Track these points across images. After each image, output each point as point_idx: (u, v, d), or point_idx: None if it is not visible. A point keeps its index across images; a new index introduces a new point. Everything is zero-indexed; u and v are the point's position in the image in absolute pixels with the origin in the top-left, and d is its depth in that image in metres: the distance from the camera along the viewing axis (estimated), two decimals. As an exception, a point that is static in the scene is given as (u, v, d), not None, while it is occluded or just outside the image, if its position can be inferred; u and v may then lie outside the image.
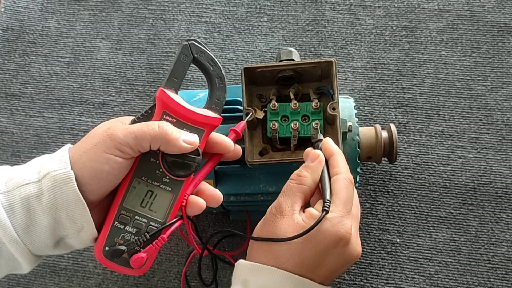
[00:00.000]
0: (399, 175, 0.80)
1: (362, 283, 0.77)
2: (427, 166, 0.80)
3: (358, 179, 0.70)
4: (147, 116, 0.57)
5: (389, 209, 0.79)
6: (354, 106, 0.71)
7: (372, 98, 0.84)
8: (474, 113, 0.82)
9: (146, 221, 0.57)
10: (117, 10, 0.92)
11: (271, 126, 0.64)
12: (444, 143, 0.81)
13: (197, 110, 0.57)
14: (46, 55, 0.90)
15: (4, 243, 0.53)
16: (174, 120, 0.56)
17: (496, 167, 0.80)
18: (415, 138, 0.82)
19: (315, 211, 0.56)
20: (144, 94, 0.87)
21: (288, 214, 0.56)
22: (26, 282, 0.80)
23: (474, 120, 0.82)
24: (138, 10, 0.91)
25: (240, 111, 0.69)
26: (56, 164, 0.54)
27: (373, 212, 0.79)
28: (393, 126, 0.72)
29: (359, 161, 0.69)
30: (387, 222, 0.79)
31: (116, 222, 0.56)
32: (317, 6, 0.89)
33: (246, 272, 0.56)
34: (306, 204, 0.58)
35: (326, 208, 0.54)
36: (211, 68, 0.59)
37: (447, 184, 0.79)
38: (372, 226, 0.79)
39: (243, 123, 0.62)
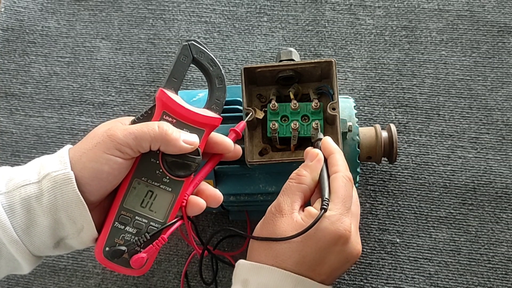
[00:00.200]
0: (399, 175, 0.80)
1: (362, 283, 0.77)
2: (427, 166, 0.80)
3: (358, 179, 0.70)
4: (147, 116, 0.57)
5: (389, 209, 0.79)
6: (354, 106, 0.71)
7: (372, 98, 0.84)
8: (474, 113, 0.82)
9: (146, 221, 0.57)
10: (117, 10, 0.92)
11: (271, 126, 0.64)
12: (444, 143, 0.81)
13: (197, 110, 0.57)
14: (46, 55, 0.90)
15: (4, 243, 0.53)
16: (174, 121, 0.56)
17: (496, 167, 0.80)
18: (415, 138, 0.82)
19: (314, 209, 0.56)
20: (144, 94, 0.87)
21: (287, 213, 0.56)
22: (26, 282, 0.80)
23: (474, 120, 0.82)
24: (138, 10, 0.91)
25: (240, 111, 0.69)
26: (56, 164, 0.54)
27: (373, 212, 0.79)
28: (393, 126, 0.72)
29: (359, 161, 0.69)
30: (387, 222, 0.79)
31: (116, 223, 0.56)
32: (317, 6, 0.89)
33: (246, 272, 0.56)
34: (306, 203, 0.59)
35: (324, 207, 0.54)
36: (211, 68, 0.59)
37: (447, 184, 0.79)
38: (372, 226, 0.79)
39: (243, 123, 0.62)
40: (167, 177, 0.57)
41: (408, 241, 0.78)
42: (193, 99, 0.72)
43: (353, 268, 0.78)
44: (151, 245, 0.56)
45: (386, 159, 0.74)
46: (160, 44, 0.90)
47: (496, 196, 0.79)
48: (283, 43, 0.88)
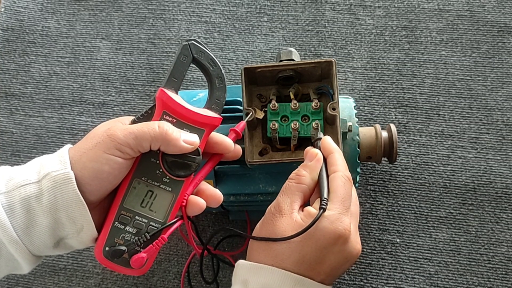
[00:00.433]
0: (399, 175, 0.80)
1: (362, 283, 0.77)
2: (427, 166, 0.80)
3: (358, 179, 0.70)
4: (147, 116, 0.57)
5: (389, 209, 0.79)
6: (354, 106, 0.71)
7: (372, 98, 0.84)
8: (474, 113, 0.82)
9: (146, 221, 0.57)
10: (117, 10, 0.92)
11: (271, 126, 0.64)
12: (444, 143, 0.81)
13: (197, 110, 0.57)
14: (46, 55, 0.90)
15: (4, 243, 0.53)
16: (174, 120, 0.56)
17: (496, 167, 0.80)
18: (415, 138, 0.82)
19: (313, 209, 0.56)
20: (144, 94, 0.87)
21: (287, 213, 0.56)
22: (26, 281, 0.80)
23: (474, 120, 0.82)
24: (138, 10, 0.91)
25: (240, 111, 0.69)
26: (56, 164, 0.54)
27: (373, 212, 0.79)
28: (393, 126, 0.72)
29: (359, 161, 0.69)
30: (387, 222, 0.79)
31: (116, 222, 0.56)
32: (317, 6, 0.89)
33: (246, 272, 0.56)
34: (306, 203, 0.59)
35: (323, 206, 0.54)
36: (211, 68, 0.59)
37: (447, 184, 0.79)
38: (372, 226, 0.79)
39: (243, 123, 0.62)
40: (167, 177, 0.57)
41: (408, 241, 0.78)
42: (193, 99, 0.72)
43: (353, 268, 0.78)
44: (151, 245, 0.56)
45: (386, 159, 0.74)
46: (160, 44, 0.90)
47: (496, 196, 0.79)
48: (283, 43, 0.88)
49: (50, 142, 0.86)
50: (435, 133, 0.82)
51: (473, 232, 0.78)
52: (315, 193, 0.59)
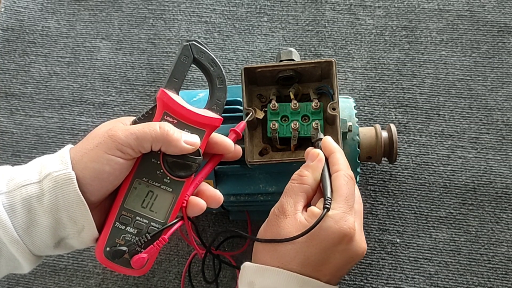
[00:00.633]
0: (399, 175, 0.80)
1: (362, 283, 0.77)
2: (427, 166, 0.81)
3: (358, 179, 0.70)
4: (148, 116, 0.57)
5: (389, 209, 0.79)
6: (354, 106, 0.71)
7: (372, 98, 0.84)
8: (474, 113, 0.82)
9: (147, 221, 0.57)
10: (117, 10, 0.92)
11: (271, 126, 0.64)
12: (444, 143, 0.81)
13: (198, 111, 0.57)
14: (46, 55, 0.90)
15: (4, 243, 0.53)
16: (175, 121, 0.56)
17: (496, 167, 0.80)
18: (415, 138, 0.82)
19: (316, 209, 0.56)
20: (144, 94, 0.87)
21: (290, 214, 0.56)
22: (26, 281, 0.80)
23: (474, 120, 0.82)
24: (138, 10, 0.91)
25: (240, 111, 0.69)
26: (57, 164, 0.54)
27: (373, 212, 0.79)
28: (393, 126, 0.72)
29: (359, 161, 0.69)
30: (387, 222, 0.79)
31: (117, 223, 0.56)
32: (317, 6, 0.89)
33: (251, 274, 0.56)
34: (309, 204, 0.59)
35: (327, 206, 0.54)
36: (212, 68, 0.59)
37: (447, 184, 0.80)
38: (372, 226, 0.79)
39: (243, 123, 0.62)
40: (168, 178, 0.57)
41: (408, 241, 0.78)
42: (194, 99, 0.72)
43: (353, 268, 0.78)
44: (151, 245, 0.56)
45: (386, 159, 0.74)
46: (160, 44, 0.90)
47: (496, 196, 0.79)
48: (283, 43, 0.88)
49: (51, 142, 0.86)
50: (435, 133, 0.82)
51: (473, 232, 0.78)
52: (318, 193, 0.59)
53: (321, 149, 0.60)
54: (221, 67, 0.60)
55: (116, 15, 0.92)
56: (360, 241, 0.57)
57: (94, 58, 0.90)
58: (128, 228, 0.56)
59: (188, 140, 0.55)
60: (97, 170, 0.53)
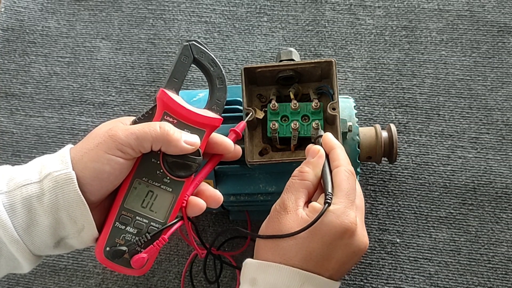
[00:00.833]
0: (399, 175, 0.80)
1: (362, 283, 0.77)
2: (427, 166, 0.81)
3: (358, 179, 0.70)
4: (148, 116, 0.57)
5: (389, 209, 0.79)
6: (354, 106, 0.71)
7: (372, 98, 0.84)
8: (474, 113, 0.82)
9: (147, 221, 0.57)
10: (117, 10, 0.92)
11: (271, 126, 0.64)
12: (444, 143, 0.81)
13: (198, 111, 0.57)
14: (46, 55, 0.90)
15: (4, 243, 0.53)
16: (175, 121, 0.56)
17: (496, 167, 0.80)
18: (415, 138, 0.82)
19: (318, 204, 0.56)
20: (144, 94, 0.87)
21: (292, 210, 0.56)
22: (26, 281, 0.80)
23: (474, 120, 0.82)
24: (138, 10, 0.91)
25: (240, 111, 0.69)
26: (57, 164, 0.54)
27: (373, 212, 0.79)
28: (393, 126, 0.72)
29: (359, 161, 0.69)
30: (387, 222, 0.79)
31: (117, 223, 0.56)
32: (317, 6, 0.89)
33: (253, 271, 0.56)
34: (310, 200, 0.59)
35: (328, 201, 0.54)
36: (212, 68, 0.59)
37: (447, 184, 0.80)
38: (372, 226, 0.79)
39: (243, 123, 0.62)
40: (168, 178, 0.57)
41: (408, 241, 0.78)
42: (193, 99, 0.72)
43: (353, 268, 0.78)
44: (151, 245, 0.56)
45: (386, 159, 0.74)
46: (160, 44, 0.90)
47: (496, 196, 0.79)
48: (283, 43, 0.88)
49: (51, 142, 0.86)
50: (435, 133, 0.82)
51: (473, 232, 0.78)
52: (319, 189, 0.59)
53: (322, 146, 0.60)
54: (221, 67, 0.60)
55: (116, 15, 0.92)
56: (362, 235, 0.57)
57: (94, 58, 0.90)
58: (128, 228, 0.56)
59: (188, 140, 0.55)
60: (97, 170, 0.53)
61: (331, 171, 0.58)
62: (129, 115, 0.60)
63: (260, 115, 0.65)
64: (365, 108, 0.84)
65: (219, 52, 0.89)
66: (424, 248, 0.77)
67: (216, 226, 0.80)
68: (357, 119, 0.70)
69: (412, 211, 0.79)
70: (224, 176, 0.70)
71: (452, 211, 0.79)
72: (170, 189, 0.57)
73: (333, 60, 0.64)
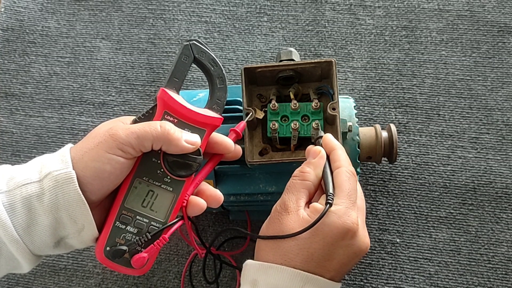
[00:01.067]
0: (399, 175, 0.80)
1: (362, 283, 0.77)
2: (427, 166, 0.81)
3: (358, 179, 0.70)
4: (148, 116, 0.57)
5: (389, 209, 0.79)
6: (354, 106, 0.71)
7: (372, 98, 0.84)
8: (474, 113, 0.82)
9: (147, 221, 0.57)
10: (117, 10, 0.92)
11: (271, 126, 0.64)
12: (444, 143, 0.81)
13: (198, 110, 0.57)
14: (46, 55, 0.90)
15: (4, 242, 0.53)
16: (176, 120, 0.56)
17: (496, 167, 0.80)
18: (415, 138, 0.82)
19: (319, 205, 0.56)
20: (144, 94, 0.87)
21: (293, 211, 0.56)
22: (26, 281, 0.80)
23: (474, 120, 0.82)
24: (138, 10, 0.91)
25: (240, 111, 0.69)
26: (57, 164, 0.54)
27: (373, 212, 0.79)
28: (393, 126, 0.72)
29: (359, 161, 0.69)
30: (387, 222, 0.79)
31: (117, 222, 0.56)
32: (317, 6, 0.89)
33: (254, 272, 0.56)
34: (311, 200, 0.58)
35: (330, 201, 0.54)
36: (212, 68, 0.59)
37: (447, 184, 0.80)
38: (372, 226, 0.79)
39: (243, 123, 0.62)
40: (168, 177, 0.57)
41: (408, 241, 0.78)
42: (194, 99, 0.72)
43: (353, 268, 0.78)
44: (152, 245, 0.56)
45: (386, 159, 0.74)
46: (160, 44, 0.90)
47: (496, 196, 0.79)
48: (283, 43, 0.88)
49: (51, 142, 0.86)
50: (435, 133, 0.82)
51: (473, 232, 0.78)
52: (319, 190, 0.59)
53: (322, 147, 0.60)
54: (222, 66, 0.60)
55: (116, 15, 0.92)
56: (363, 236, 0.57)
57: (94, 58, 0.90)
58: (128, 228, 0.56)
59: (188, 140, 0.55)
60: (97, 169, 0.53)
61: (332, 172, 0.58)
62: (129, 115, 0.60)
63: (260, 115, 0.65)
64: (365, 108, 0.84)
65: (219, 52, 0.89)
66: (424, 248, 0.78)
67: (216, 226, 0.80)
68: (357, 119, 0.70)
69: (412, 211, 0.79)
70: (224, 176, 0.70)
71: (452, 211, 0.79)
72: (171, 189, 0.57)
73: (333, 60, 0.64)
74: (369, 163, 0.81)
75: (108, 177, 0.54)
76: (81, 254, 0.80)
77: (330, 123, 0.65)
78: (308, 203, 0.57)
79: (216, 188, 0.63)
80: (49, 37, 0.91)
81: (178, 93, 0.58)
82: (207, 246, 0.65)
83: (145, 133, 0.54)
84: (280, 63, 0.65)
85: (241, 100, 0.66)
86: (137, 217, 0.57)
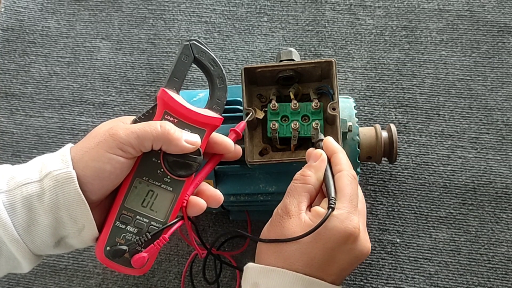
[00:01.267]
0: (399, 175, 0.80)
1: (362, 283, 0.77)
2: (427, 166, 0.81)
3: (358, 179, 0.70)
4: (148, 116, 0.57)
5: (389, 209, 0.79)
6: (354, 106, 0.71)
7: (372, 98, 0.84)
8: (474, 113, 0.82)
9: (147, 221, 0.57)
10: (117, 10, 0.92)
11: (271, 126, 0.64)
12: (444, 143, 0.81)
13: (198, 110, 0.57)
14: (46, 55, 0.90)
15: (4, 242, 0.53)
16: (176, 120, 0.56)
17: (496, 167, 0.80)
18: (415, 138, 0.82)
19: (321, 209, 0.56)
20: (144, 94, 0.87)
21: (295, 214, 0.56)
22: (26, 281, 0.80)
23: (474, 120, 0.82)
24: (138, 10, 0.91)
25: (240, 111, 0.69)
26: (58, 163, 0.54)
27: (373, 212, 0.79)
28: (393, 126, 0.72)
29: (359, 161, 0.69)
30: (387, 222, 0.79)
31: (117, 222, 0.56)
32: (317, 6, 0.89)
33: (255, 275, 0.56)
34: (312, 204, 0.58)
35: (332, 205, 0.54)
36: (212, 68, 0.59)
37: (447, 184, 0.80)
38: (372, 226, 0.79)
39: (243, 123, 0.62)
40: (168, 177, 0.57)
41: (408, 241, 0.78)
42: (194, 99, 0.72)
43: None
44: (152, 244, 0.56)
45: (386, 159, 0.74)
46: (160, 44, 0.90)
47: (496, 196, 0.79)
48: (283, 43, 0.88)
49: (51, 143, 0.86)
50: (435, 133, 0.82)
51: (473, 232, 0.78)
52: (320, 193, 0.59)
53: (323, 149, 0.60)
54: (222, 66, 0.60)
55: (116, 15, 0.92)
56: (365, 240, 0.57)
57: (94, 58, 0.90)
58: (128, 227, 0.56)
59: (188, 139, 0.55)
60: (98, 169, 0.53)
61: (333, 175, 0.58)
62: (129, 115, 0.60)
63: (260, 115, 0.65)
64: (365, 108, 0.84)
65: (219, 52, 0.89)
66: (424, 248, 0.78)
67: (216, 226, 0.80)
68: (357, 119, 0.70)
69: (412, 211, 0.79)
70: (224, 176, 0.70)
71: (452, 211, 0.79)
72: (171, 189, 0.57)
73: (333, 60, 0.64)
74: (369, 163, 0.81)
75: (108, 177, 0.54)
76: (81, 254, 0.80)
77: (330, 123, 0.65)
78: (309, 206, 0.57)
79: (216, 188, 0.63)
80: (49, 37, 0.91)
81: (178, 93, 0.58)
82: (208, 247, 0.65)
83: (145, 132, 0.54)
84: (280, 63, 0.65)
85: (241, 100, 0.66)
86: (137, 217, 0.57)
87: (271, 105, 0.65)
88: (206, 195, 0.59)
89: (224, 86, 0.59)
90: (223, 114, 0.59)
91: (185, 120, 0.57)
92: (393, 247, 0.78)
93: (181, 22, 0.91)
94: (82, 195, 0.53)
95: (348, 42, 0.87)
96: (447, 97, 0.83)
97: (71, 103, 0.88)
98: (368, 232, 0.77)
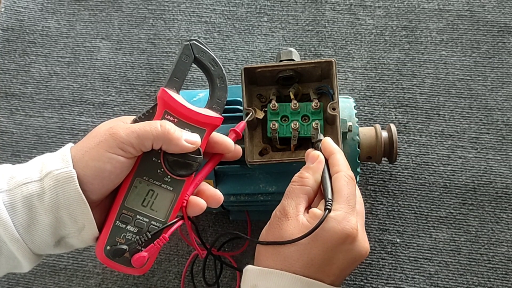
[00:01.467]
0: (399, 175, 0.80)
1: (362, 283, 0.77)
2: (427, 166, 0.81)
3: (358, 179, 0.70)
4: (148, 115, 0.57)
5: (389, 209, 0.79)
6: (354, 106, 0.71)
7: (372, 98, 0.84)
8: (474, 113, 0.82)
9: (147, 220, 0.57)
10: (117, 10, 0.92)
11: (271, 126, 0.64)
12: (444, 143, 0.81)
13: (198, 110, 0.57)
14: (46, 55, 0.90)
15: (5, 241, 0.53)
16: (176, 120, 0.56)
17: (496, 167, 0.80)
18: (415, 138, 0.82)
19: (318, 210, 0.56)
20: (144, 94, 0.87)
21: (293, 216, 0.56)
22: (26, 281, 0.80)
23: (474, 120, 0.82)
24: (138, 10, 0.91)
25: (240, 111, 0.69)
26: (58, 163, 0.54)
27: (373, 212, 0.79)
28: (393, 126, 0.72)
29: (359, 161, 0.69)
30: (387, 222, 0.79)
31: (117, 222, 0.56)
32: (317, 6, 0.89)
33: (255, 278, 0.56)
34: (310, 205, 0.58)
35: (329, 207, 0.54)
36: (212, 68, 0.59)
37: (447, 184, 0.80)
38: (372, 226, 0.79)
39: (243, 123, 0.62)
40: (168, 176, 0.57)
41: (408, 241, 0.78)
42: (194, 99, 0.72)
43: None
44: (152, 244, 0.56)
45: (386, 159, 0.74)
46: (160, 44, 0.90)
47: (496, 196, 0.79)
48: (283, 43, 0.88)
49: (51, 142, 0.86)
50: (435, 133, 0.82)
51: (473, 232, 0.78)
52: (319, 195, 0.58)
53: (321, 151, 0.60)
54: (222, 66, 0.60)
55: (116, 15, 0.92)
56: (363, 241, 0.57)
57: (94, 58, 0.90)
58: (128, 227, 0.56)
59: (189, 139, 0.55)
60: (98, 168, 0.53)
61: (330, 177, 0.58)
62: (129, 115, 0.60)
63: (260, 115, 0.65)
64: (365, 108, 0.84)
65: (219, 52, 0.89)
66: (424, 248, 0.78)
67: (216, 226, 0.80)
68: (357, 119, 0.70)
69: (412, 211, 0.79)
70: (224, 176, 0.70)
71: (452, 211, 0.79)
72: (171, 188, 0.57)
73: (333, 60, 0.64)
74: (369, 163, 0.81)
75: (108, 176, 0.54)
76: (81, 254, 0.80)
77: (330, 123, 0.65)
78: (308, 208, 0.57)
79: (216, 188, 0.63)
80: (49, 37, 0.91)
81: (178, 93, 0.58)
82: (208, 247, 0.65)
83: (146, 132, 0.54)
84: (280, 63, 0.65)
85: (241, 100, 0.66)
86: (137, 216, 0.57)
87: (271, 105, 0.65)
88: (206, 195, 0.59)
89: (224, 86, 0.59)
90: (223, 114, 0.59)
91: (185, 119, 0.57)
92: (393, 247, 0.78)
93: (181, 22, 0.91)
94: (83, 194, 0.53)
95: (348, 42, 0.87)
96: (447, 97, 0.83)
97: (71, 103, 0.88)
98: (368, 232, 0.78)
